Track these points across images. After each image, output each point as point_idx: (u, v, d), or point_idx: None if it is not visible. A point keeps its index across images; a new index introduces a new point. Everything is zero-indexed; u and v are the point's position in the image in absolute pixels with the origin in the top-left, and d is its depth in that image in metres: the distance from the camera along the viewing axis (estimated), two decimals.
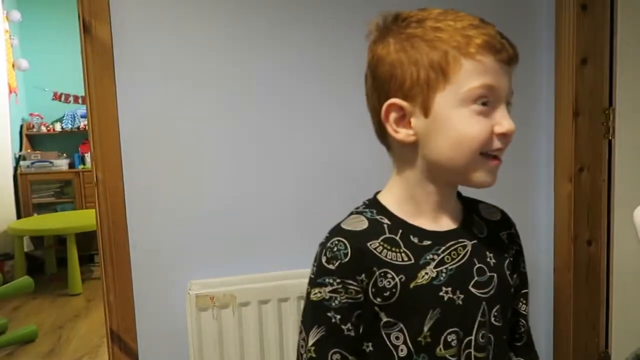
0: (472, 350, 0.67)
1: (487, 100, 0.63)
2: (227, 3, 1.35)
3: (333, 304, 0.65)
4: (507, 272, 0.72)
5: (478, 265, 0.69)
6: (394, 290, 0.65)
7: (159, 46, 1.32)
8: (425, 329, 0.65)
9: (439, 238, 0.68)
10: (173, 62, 1.33)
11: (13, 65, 4.36)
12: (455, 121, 0.63)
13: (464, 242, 0.69)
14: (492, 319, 0.68)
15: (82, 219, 3.79)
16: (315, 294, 0.66)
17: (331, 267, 0.65)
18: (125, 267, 1.33)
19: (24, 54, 4.53)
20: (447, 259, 0.67)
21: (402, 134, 0.67)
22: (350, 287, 0.65)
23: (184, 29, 1.33)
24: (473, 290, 0.67)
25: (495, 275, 0.69)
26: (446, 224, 0.70)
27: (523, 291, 0.78)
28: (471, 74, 0.62)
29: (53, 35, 4.59)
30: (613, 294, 1.56)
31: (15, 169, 4.32)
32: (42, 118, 4.63)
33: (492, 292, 0.68)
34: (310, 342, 0.66)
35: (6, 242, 3.83)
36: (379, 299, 0.65)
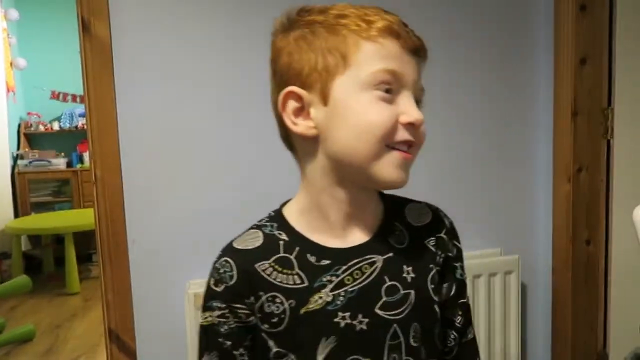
0: None
1: (390, 88, 0.58)
2: (227, 3, 1.35)
3: (222, 329, 0.61)
4: (431, 287, 0.64)
5: (389, 283, 0.62)
6: (282, 316, 0.60)
7: (158, 45, 1.31)
8: (320, 358, 0.59)
9: (340, 256, 0.61)
10: (172, 61, 1.32)
11: (11, 64, 4.35)
12: (355, 107, 0.58)
13: (373, 258, 0.62)
14: (411, 340, 0.61)
15: (79, 218, 3.78)
16: (206, 318, 0.62)
17: (218, 290, 0.61)
18: (124, 266, 1.33)
19: (21, 53, 4.52)
20: (348, 280, 0.61)
21: (301, 126, 0.61)
22: (240, 311, 0.61)
23: (184, 28, 1.33)
24: (380, 312, 0.61)
25: (412, 292, 0.62)
26: (355, 237, 0.63)
27: (460, 301, 0.69)
28: (372, 57, 0.58)
29: (51, 34, 4.58)
30: (611, 293, 1.56)
31: (13, 168, 4.32)
32: (40, 117, 4.62)
33: (406, 311, 0.61)
34: None
35: (4, 241, 3.82)
36: (266, 326, 0.60)
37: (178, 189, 1.35)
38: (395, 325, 0.61)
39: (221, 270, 0.62)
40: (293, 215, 0.65)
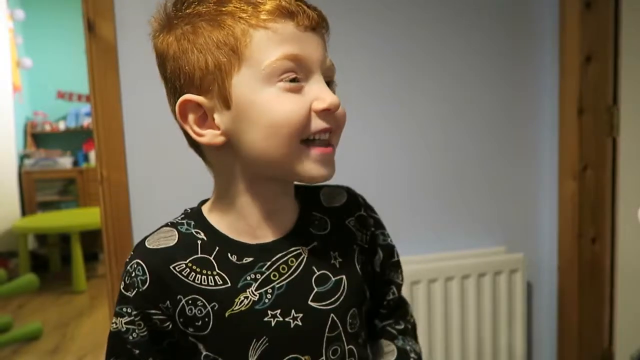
0: None
1: (295, 76, 0.53)
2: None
3: (130, 337, 0.57)
4: (358, 267, 0.62)
5: (318, 273, 0.59)
6: (206, 319, 0.56)
7: None
8: None
9: (263, 252, 0.58)
10: None
11: (17, 64, 4.37)
12: (260, 105, 0.52)
13: (298, 249, 0.59)
14: (348, 327, 0.59)
15: (85, 217, 3.80)
16: (113, 323, 0.58)
17: (129, 294, 0.57)
18: None
19: (28, 53, 4.54)
20: (274, 275, 0.57)
21: (207, 136, 0.56)
22: (154, 317, 0.56)
23: None
24: (314, 304, 0.58)
25: (343, 276, 0.60)
26: (276, 231, 0.60)
27: (392, 260, 0.69)
28: (267, 46, 0.52)
29: (57, 34, 4.60)
30: (617, 291, 1.55)
31: (20, 167, 4.34)
32: (45, 116, 4.65)
33: (341, 298, 0.59)
34: None
35: (11, 240, 3.84)
36: (191, 329, 0.56)
37: (183, 188, 1.36)
38: (332, 315, 0.58)
39: (132, 274, 0.57)
40: (213, 214, 0.62)
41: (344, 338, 0.59)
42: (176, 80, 0.56)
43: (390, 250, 0.69)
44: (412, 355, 0.67)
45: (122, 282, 0.58)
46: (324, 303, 0.58)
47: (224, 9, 0.53)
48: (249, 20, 0.52)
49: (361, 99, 1.43)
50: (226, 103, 0.54)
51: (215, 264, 0.57)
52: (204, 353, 0.57)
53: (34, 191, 4.36)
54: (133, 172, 1.32)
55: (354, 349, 0.60)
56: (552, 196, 1.61)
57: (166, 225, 0.61)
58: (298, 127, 0.53)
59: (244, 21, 0.52)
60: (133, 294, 0.57)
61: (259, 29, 0.52)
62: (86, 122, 4.63)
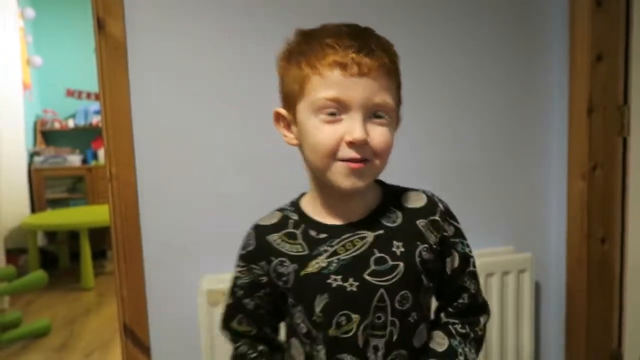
0: (370, 330, 0.74)
1: (334, 111, 0.70)
2: (240, 2, 1.35)
3: (238, 282, 0.82)
4: (418, 260, 0.75)
5: (378, 255, 0.75)
6: (289, 276, 0.76)
7: (173, 44, 1.32)
8: (317, 310, 0.74)
9: (335, 231, 0.76)
10: (186, 59, 1.33)
11: (27, 62, 4.40)
12: (308, 129, 0.72)
13: (364, 234, 0.76)
14: (396, 304, 0.74)
15: (94, 214, 3.82)
16: (235, 271, 0.83)
17: (243, 252, 0.82)
18: (138, 263, 1.34)
19: (37, 51, 4.57)
20: (341, 250, 0.75)
21: (288, 137, 0.79)
22: (255, 270, 0.80)
23: (198, 26, 1.33)
24: (368, 278, 0.74)
25: (401, 263, 0.74)
26: (350, 216, 0.77)
27: (468, 270, 0.82)
28: (317, 88, 0.70)
29: (66, 33, 4.63)
30: (626, 292, 1.54)
31: (29, 164, 4.37)
32: (55, 114, 4.68)
33: (394, 279, 0.74)
34: (225, 304, 0.85)
35: (20, 237, 3.87)
36: (281, 283, 0.77)
37: (192, 186, 1.37)
38: (382, 290, 0.74)
39: (247, 239, 0.81)
40: (305, 201, 0.82)
41: (389, 310, 0.74)
42: (280, 93, 0.79)
43: (466, 259, 0.82)
44: (461, 358, 0.79)
45: (242, 244, 0.82)
46: (377, 279, 0.74)
47: (301, 56, 0.73)
48: (312, 66, 0.71)
49: None
50: (295, 120, 0.76)
51: (299, 236, 0.78)
52: (290, 300, 0.78)
53: (44, 188, 4.39)
54: (142, 170, 1.33)
55: (396, 322, 0.74)
56: (561, 196, 1.60)
57: (277, 209, 0.84)
58: (329, 150, 0.71)
59: (310, 66, 0.71)
60: (244, 252, 0.81)
61: (315, 75, 0.71)
62: (95, 120, 4.66)
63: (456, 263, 0.80)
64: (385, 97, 0.71)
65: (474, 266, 0.83)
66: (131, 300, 1.35)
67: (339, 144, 0.70)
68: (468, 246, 0.83)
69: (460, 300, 0.82)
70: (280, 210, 0.83)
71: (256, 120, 1.39)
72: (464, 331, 0.82)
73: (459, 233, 0.82)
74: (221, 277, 1.34)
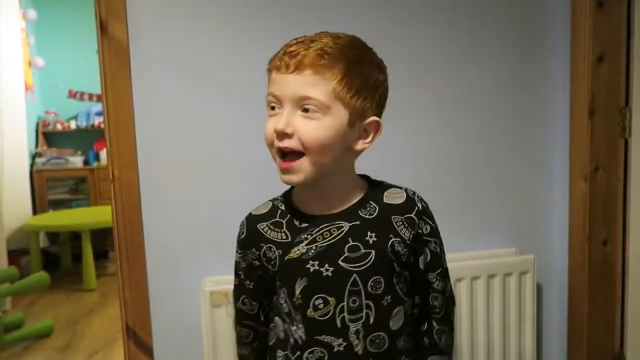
0: (345, 314, 0.81)
1: (274, 105, 0.79)
2: (242, 3, 1.35)
3: (240, 265, 0.91)
4: (389, 250, 0.82)
5: (352, 243, 0.81)
6: (275, 260, 0.84)
7: (175, 45, 1.33)
8: (297, 292, 0.82)
9: (315, 221, 0.83)
10: (189, 60, 1.34)
11: (29, 64, 4.41)
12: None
13: (341, 224, 0.83)
14: (369, 288, 0.81)
15: (96, 215, 3.82)
16: (235, 256, 0.92)
17: (238, 239, 0.90)
18: (141, 264, 1.35)
19: (40, 53, 4.58)
20: (319, 238, 0.82)
21: None
22: (248, 255, 0.88)
23: (200, 27, 1.34)
24: (342, 264, 0.81)
25: (373, 251, 0.81)
26: (328, 209, 0.84)
27: (439, 268, 0.90)
28: (268, 85, 0.80)
29: (69, 34, 4.63)
30: (628, 294, 1.54)
31: (31, 165, 4.38)
32: (57, 115, 4.68)
33: (366, 265, 0.81)
34: (233, 286, 0.95)
35: (22, 238, 3.88)
36: (270, 266, 0.85)
37: (194, 187, 1.37)
38: (355, 275, 0.81)
39: (241, 228, 0.90)
40: (295, 193, 0.88)
41: (363, 294, 0.81)
42: None
43: (436, 257, 0.89)
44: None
45: (238, 231, 0.90)
46: (350, 265, 0.81)
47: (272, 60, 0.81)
48: (269, 67, 0.81)
49: None
50: None
51: (284, 225, 0.85)
52: (277, 282, 0.86)
53: (46, 189, 4.40)
54: (144, 171, 1.33)
55: (371, 305, 0.81)
56: (563, 197, 1.60)
57: (269, 200, 0.91)
58: (268, 140, 0.80)
59: (268, 70, 0.81)
60: (239, 239, 0.90)
61: (270, 74, 0.80)
62: (97, 121, 4.67)
63: (428, 260, 0.88)
64: (309, 91, 0.75)
65: (445, 264, 0.91)
66: (134, 301, 1.35)
67: (273, 135, 0.78)
68: (441, 245, 0.91)
69: (435, 303, 0.90)
70: (272, 200, 0.90)
71: (259, 122, 1.38)
72: (445, 341, 0.92)
73: (433, 233, 0.89)
74: (223, 279, 1.35)
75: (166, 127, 1.34)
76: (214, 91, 1.36)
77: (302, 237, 0.82)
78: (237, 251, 0.91)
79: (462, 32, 1.50)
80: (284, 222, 0.85)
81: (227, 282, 1.33)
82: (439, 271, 0.90)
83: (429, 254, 0.88)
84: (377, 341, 0.82)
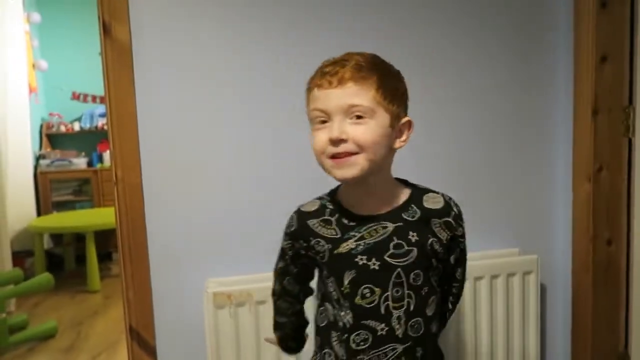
0: (389, 302, 0.90)
1: (323, 119, 0.88)
2: (244, 3, 1.36)
3: (287, 252, 1.01)
4: (429, 248, 0.93)
5: (396, 241, 0.91)
6: (325, 253, 0.93)
7: (178, 47, 1.33)
8: (346, 282, 0.91)
9: (362, 220, 0.93)
10: (191, 62, 1.34)
11: (33, 66, 4.43)
12: (312, 135, 0.90)
13: (385, 224, 0.92)
14: (411, 280, 0.92)
15: (100, 217, 3.83)
16: (282, 243, 1.02)
17: (287, 230, 1.00)
18: (144, 265, 1.35)
19: (43, 55, 4.60)
20: (367, 235, 0.91)
21: None
22: (296, 245, 0.99)
23: (203, 30, 1.34)
24: (388, 259, 0.91)
25: (415, 249, 0.92)
26: (376, 209, 0.93)
27: (464, 262, 1.05)
28: (309, 103, 0.91)
29: (72, 37, 4.65)
30: (633, 294, 1.54)
31: (35, 167, 4.39)
32: (61, 117, 4.70)
33: (409, 261, 0.91)
34: (276, 268, 1.06)
35: (26, 240, 3.89)
36: (318, 258, 0.95)
37: (197, 188, 1.37)
38: (399, 269, 0.91)
39: (290, 221, 0.99)
40: (341, 193, 0.98)
41: (405, 285, 0.91)
42: None
43: (464, 253, 1.04)
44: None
45: (287, 223, 1.00)
46: (395, 260, 0.91)
47: (309, 80, 0.93)
48: (309, 88, 0.92)
49: None
50: None
51: (333, 222, 0.94)
52: (325, 272, 0.96)
53: (50, 191, 4.41)
54: (147, 173, 1.33)
55: (412, 294, 0.92)
56: (567, 197, 1.59)
57: (316, 198, 1.00)
58: (319, 150, 0.89)
59: (308, 89, 0.92)
60: (289, 231, 1.00)
61: (308, 93, 0.92)
62: (101, 122, 4.68)
63: (458, 256, 1.01)
64: (355, 100, 0.86)
65: (466, 256, 1.05)
66: (137, 303, 1.35)
67: (326, 144, 0.87)
68: (465, 246, 1.04)
69: (452, 290, 1.05)
70: (319, 199, 0.99)
71: (263, 123, 1.39)
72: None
73: (464, 234, 1.01)
74: (226, 280, 1.35)
75: (169, 128, 1.34)
76: (217, 93, 1.36)
77: (351, 234, 0.92)
78: (285, 240, 1.01)
79: (462, 32, 1.50)
80: (333, 219, 0.94)
81: (230, 283, 1.34)
82: (463, 264, 1.04)
83: (459, 251, 1.01)
84: (415, 326, 0.92)
